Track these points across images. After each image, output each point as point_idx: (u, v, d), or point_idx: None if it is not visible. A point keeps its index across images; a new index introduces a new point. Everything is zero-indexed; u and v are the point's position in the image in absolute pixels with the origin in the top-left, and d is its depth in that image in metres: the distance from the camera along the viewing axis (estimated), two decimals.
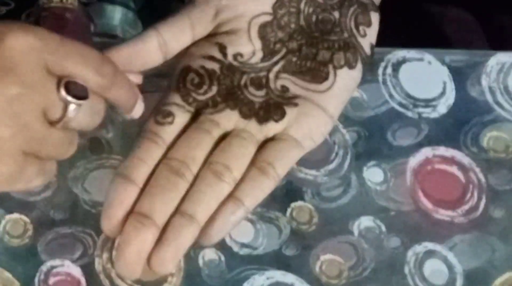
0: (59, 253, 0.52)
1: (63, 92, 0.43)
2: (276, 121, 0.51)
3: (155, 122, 0.50)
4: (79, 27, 0.48)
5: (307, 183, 0.54)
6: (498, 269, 0.54)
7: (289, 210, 0.54)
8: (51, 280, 0.51)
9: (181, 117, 0.50)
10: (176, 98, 0.51)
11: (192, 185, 0.49)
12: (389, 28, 0.54)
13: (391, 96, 0.57)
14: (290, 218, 0.54)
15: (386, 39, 0.55)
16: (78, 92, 0.44)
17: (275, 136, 0.51)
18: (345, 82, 0.52)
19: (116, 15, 0.73)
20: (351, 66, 0.52)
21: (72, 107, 0.44)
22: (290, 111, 0.51)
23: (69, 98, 0.43)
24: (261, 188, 0.49)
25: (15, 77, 0.42)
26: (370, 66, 0.54)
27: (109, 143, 0.55)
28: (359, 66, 0.52)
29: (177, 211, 0.48)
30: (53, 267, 0.51)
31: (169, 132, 0.50)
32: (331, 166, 0.55)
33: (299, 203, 0.54)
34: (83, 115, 0.45)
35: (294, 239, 0.53)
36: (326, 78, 0.52)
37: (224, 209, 0.48)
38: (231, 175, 0.49)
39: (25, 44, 0.43)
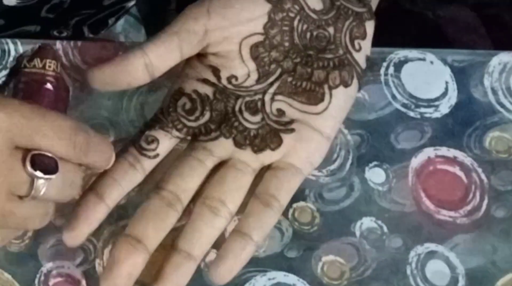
0: (60, 259, 0.51)
1: (28, 168, 0.42)
2: (273, 149, 0.50)
3: (137, 146, 0.49)
4: (58, 96, 0.46)
5: (309, 184, 0.54)
6: (501, 270, 0.53)
7: (291, 210, 0.54)
8: (51, 282, 0.51)
9: (166, 144, 0.49)
10: (165, 123, 0.50)
11: (182, 215, 0.48)
12: (391, 28, 0.54)
13: (394, 97, 0.57)
14: (292, 219, 0.54)
15: (389, 39, 0.55)
16: (47, 165, 0.42)
17: (273, 164, 0.50)
18: (341, 101, 0.51)
19: (119, 23, 0.73)
20: (346, 85, 0.51)
21: (40, 182, 0.42)
22: (287, 138, 0.50)
23: (36, 172, 0.42)
24: (267, 221, 0.49)
25: None
26: (371, 65, 0.54)
27: None
28: (355, 82, 0.51)
29: (174, 248, 0.48)
30: (53, 269, 0.51)
31: (151, 160, 0.49)
32: (333, 166, 0.55)
33: (301, 203, 0.54)
34: (54, 187, 0.43)
35: (296, 241, 0.53)
36: (322, 99, 0.51)
37: (233, 246, 0.48)
38: (227, 210, 0.48)
39: None
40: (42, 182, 0.42)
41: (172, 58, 0.50)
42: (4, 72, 0.56)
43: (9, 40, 0.56)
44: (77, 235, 0.47)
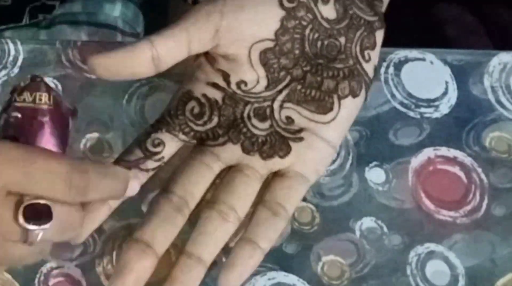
0: (59, 251, 0.51)
1: (21, 221, 0.40)
2: (282, 157, 0.50)
3: (143, 148, 0.49)
4: (52, 129, 0.44)
5: None
6: (501, 270, 0.53)
7: None
8: (51, 282, 0.51)
9: (171, 147, 0.50)
10: (172, 126, 0.50)
11: (189, 219, 0.48)
12: (391, 28, 0.54)
13: (393, 95, 0.57)
14: (292, 219, 0.54)
15: (389, 39, 0.54)
16: (40, 215, 0.41)
17: (280, 172, 0.50)
18: (349, 111, 0.51)
19: (117, 7, 0.73)
20: (355, 95, 0.51)
21: (34, 232, 0.41)
22: (295, 146, 0.50)
23: (28, 226, 0.40)
24: (274, 229, 0.49)
25: None
26: (375, 75, 0.53)
27: (109, 143, 0.54)
28: (363, 92, 0.51)
29: (184, 252, 0.48)
30: (53, 269, 0.51)
31: (155, 162, 0.49)
32: (333, 166, 0.55)
33: (301, 203, 0.54)
34: (51, 233, 0.42)
35: (295, 237, 0.53)
36: (331, 108, 0.50)
37: (242, 253, 0.48)
38: (235, 215, 0.48)
39: None
40: (36, 231, 0.41)
41: (179, 53, 0.49)
42: (4, 72, 0.56)
43: (9, 40, 0.56)
44: (80, 232, 0.47)
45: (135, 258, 0.46)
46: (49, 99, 0.44)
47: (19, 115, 0.44)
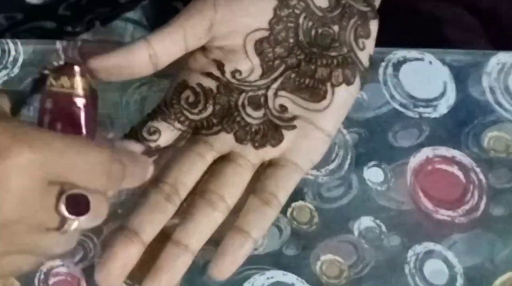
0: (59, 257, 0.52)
1: (62, 210, 0.40)
2: (274, 146, 0.50)
3: (139, 136, 0.50)
4: (88, 115, 0.44)
5: (307, 183, 0.54)
6: (499, 269, 0.53)
7: (289, 210, 0.54)
8: (51, 280, 0.51)
9: (167, 135, 0.50)
10: (168, 114, 0.50)
11: (179, 208, 0.49)
12: (390, 28, 0.54)
13: (392, 96, 0.57)
14: (291, 218, 0.54)
15: (387, 39, 0.55)
16: (79, 205, 0.41)
17: (273, 161, 0.51)
18: (343, 99, 0.51)
19: (127, 32, 0.73)
20: (349, 83, 0.51)
21: (71, 222, 0.41)
22: (288, 134, 0.50)
23: (68, 215, 0.41)
24: (266, 218, 0.49)
25: (10, 201, 0.39)
26: (371, 65, 0.54)
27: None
28: (357, 80, 0.52)
29: (171, 240, 0.48)
30: (53, 267, 0.51)
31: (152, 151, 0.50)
32: (332, 166, 0.55)
33: (300, 203, 0.54)
34: (85, 223, 0.42)
35: (295, 239, 0.53)
36: (324, 96, 0.51)
37: (232, 242, 0.48)
38: (225, 204, 0.49)
39: (26, 162, 0.39)
40: (73, 221, 0.41)
41: (176, 50, 0.50)
42: (5, 72, 0.56)
43: (9, 40, 0.57)
44: None
45: (120, 246, 0.47)
46: (85, 84, 0.44)
47: (56, 101, 0.43)
